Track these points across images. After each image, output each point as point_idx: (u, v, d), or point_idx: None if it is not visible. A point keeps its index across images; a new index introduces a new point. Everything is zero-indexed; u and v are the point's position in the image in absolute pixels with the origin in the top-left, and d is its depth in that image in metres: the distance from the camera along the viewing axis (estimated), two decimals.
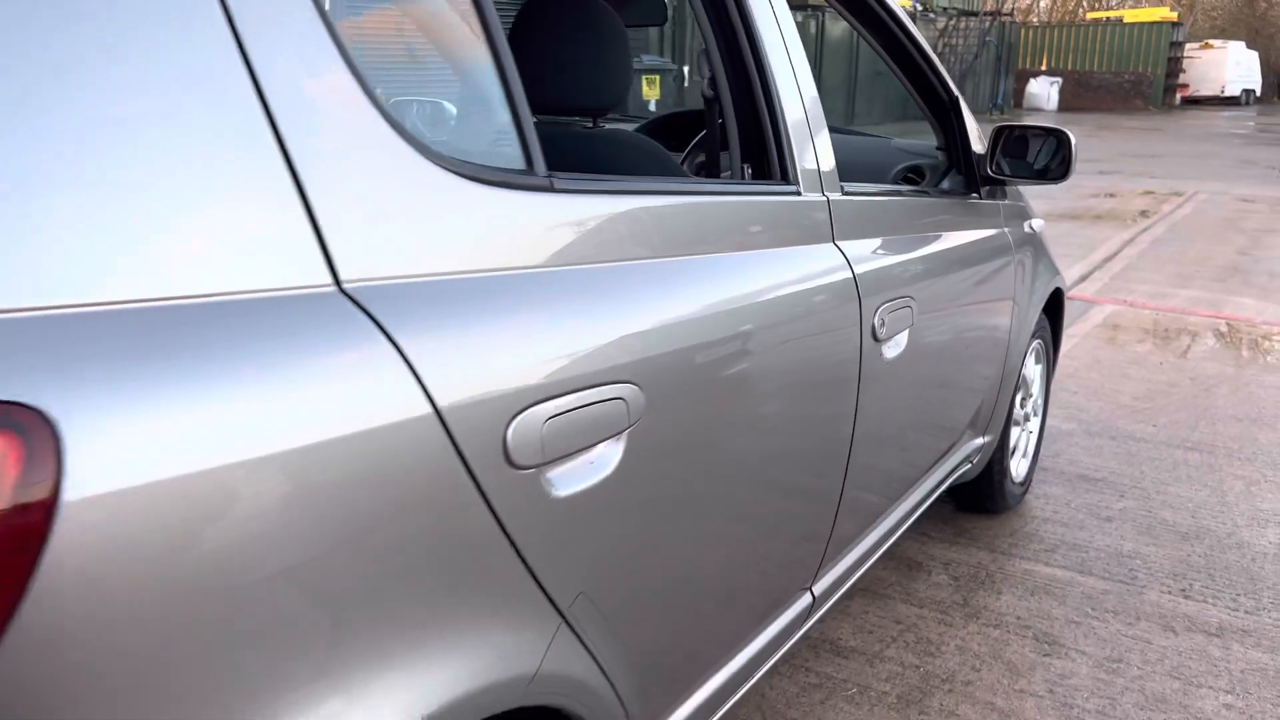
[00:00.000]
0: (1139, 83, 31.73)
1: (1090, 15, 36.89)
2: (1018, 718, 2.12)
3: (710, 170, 1.84)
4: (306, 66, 0.87)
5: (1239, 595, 2.63)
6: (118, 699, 0.70)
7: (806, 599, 1.80)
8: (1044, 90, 31.18)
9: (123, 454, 0.68)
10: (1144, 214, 9.69)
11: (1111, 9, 38.07)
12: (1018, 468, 3.10)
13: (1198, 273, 6.97)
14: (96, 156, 0.72)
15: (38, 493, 0.64)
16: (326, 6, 0.90)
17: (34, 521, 0.64)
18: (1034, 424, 3.21)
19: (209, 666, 0.75)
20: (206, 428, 0.72)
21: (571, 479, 1.07)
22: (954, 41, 27.25)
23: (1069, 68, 32.53)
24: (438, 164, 0.98)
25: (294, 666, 0.80)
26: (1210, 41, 35.43)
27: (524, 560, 1.02)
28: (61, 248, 0.69)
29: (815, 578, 1.82)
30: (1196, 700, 2.19)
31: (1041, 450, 3.35)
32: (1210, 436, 3.77)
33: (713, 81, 1.61)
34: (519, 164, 1.10)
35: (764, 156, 1.62)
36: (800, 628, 1.81)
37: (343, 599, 0.83)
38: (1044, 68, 32.60)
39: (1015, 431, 3.05)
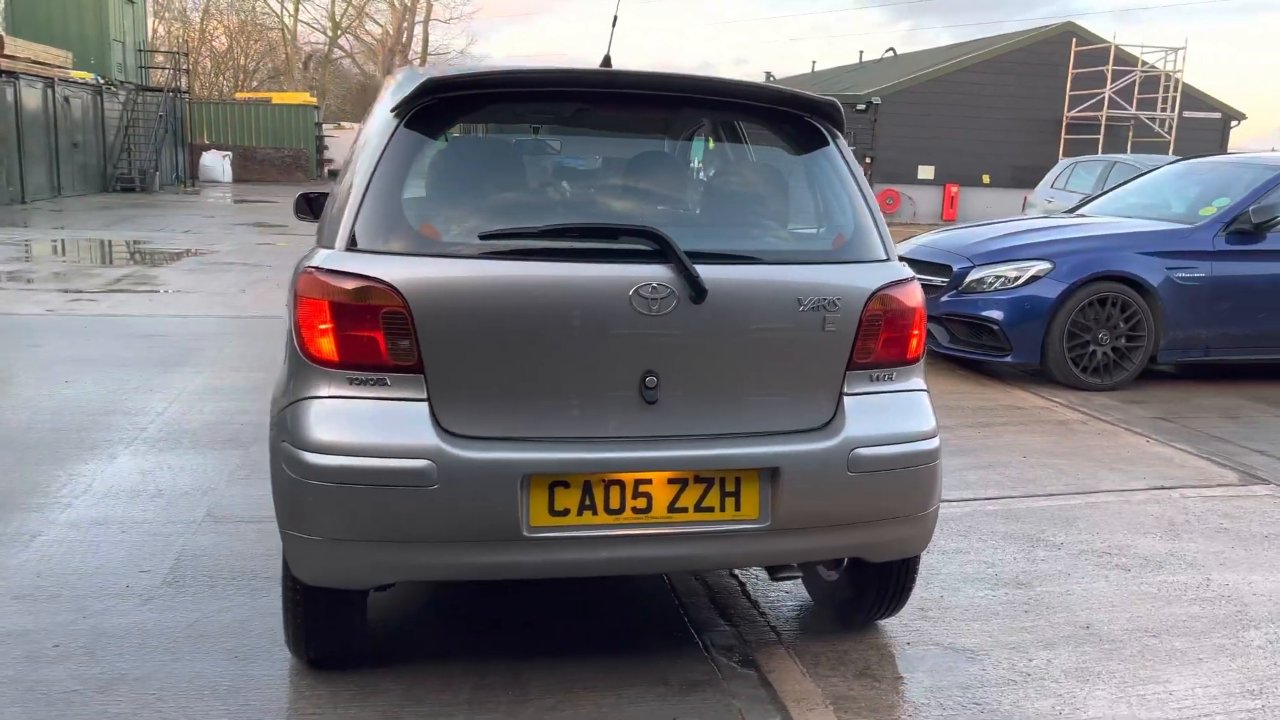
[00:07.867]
0: (298, 157, 36.10)
1: (240, 95, 40.00)
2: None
3: None
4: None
5: None
6: None
7: None
8: (217, 163, 33.41)
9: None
10: None
11: (259, 90, 41.63)
12: None
13: None
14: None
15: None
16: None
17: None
18: None
19: None
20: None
21: None
22: (137, 116, 27.96)
23: (233, 143, 35.28)
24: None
25: None
26: (343, 123, 41.51)
27: None
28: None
29: None
30: None
31: None
32: None
33: None
34: None
35: None
36: None
37: None
38: (206, 141, 34.73)
39: None
